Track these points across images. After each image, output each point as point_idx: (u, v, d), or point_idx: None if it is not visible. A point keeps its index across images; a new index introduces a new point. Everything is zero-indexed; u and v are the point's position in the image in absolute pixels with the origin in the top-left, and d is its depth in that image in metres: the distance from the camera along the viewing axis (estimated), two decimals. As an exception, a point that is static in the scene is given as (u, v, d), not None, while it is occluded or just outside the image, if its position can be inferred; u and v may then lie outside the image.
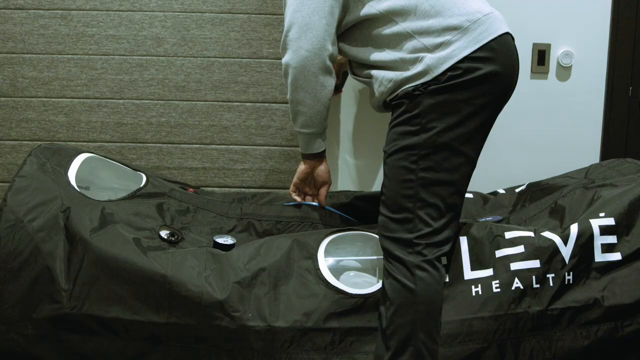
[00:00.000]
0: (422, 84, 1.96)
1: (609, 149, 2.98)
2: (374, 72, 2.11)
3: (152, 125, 2.96)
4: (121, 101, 2.95)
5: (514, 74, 2.08)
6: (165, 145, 2.97)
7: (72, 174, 2.17)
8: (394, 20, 2.02)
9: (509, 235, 2.03)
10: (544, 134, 2.99)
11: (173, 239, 2.00)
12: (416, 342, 1.87)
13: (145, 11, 2.89)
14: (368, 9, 2.05)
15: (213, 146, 2.97)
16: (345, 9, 2.08)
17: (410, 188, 1.96)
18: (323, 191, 2.32)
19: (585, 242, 1.98)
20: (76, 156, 2.25)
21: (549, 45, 2.94)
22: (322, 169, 2.29)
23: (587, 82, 2.96)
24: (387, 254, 1.96)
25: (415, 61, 1.99)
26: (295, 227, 2.21)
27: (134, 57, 2.92)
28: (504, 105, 2.12)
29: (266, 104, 2.94)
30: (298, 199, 2.36)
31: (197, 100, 2.94)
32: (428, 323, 1.89)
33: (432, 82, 1.95)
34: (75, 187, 2.09)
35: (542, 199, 2.36)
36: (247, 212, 2.24)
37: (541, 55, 2.94)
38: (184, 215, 2.17)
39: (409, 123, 1.99)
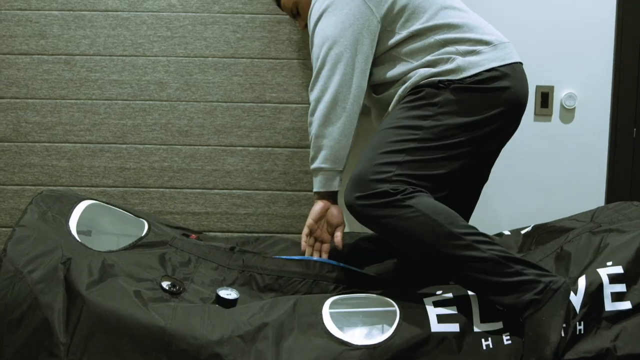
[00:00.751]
0: (448, 80, 2.02)
1: (614, 191, 2.96)
2: (402, 79, 2.14)
3: (155, 170, 2.95)
4: (124, 146, 2.94)
5: (525, 100, 2.15)
6: (168, 190, 2.96)
7: (73, 222, 2.15)
8: (427, 35, 2.08)
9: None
10: (548, 176, 2.97)
11: (175, 289, 1.97)
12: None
13: (149, 56, 2.90)
14: (399, 35, 2.11)
15: (216, 191, 2.96)
16: (377, 42, 2.13)
17: (398, 153, 1.98)
18: (339, 234, 2.22)
19: (594, 291, 1.95)
20: (78, 204, 2.23)
21: (552, 88, 2.93)
22: (335, 209, 2.23)
23: (591, 124, 2.95)
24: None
25: (446, 61, 2.05)
26: (297, 284, 2.17)
27: (137, 101, 2.92)
28: (510, 132, 2.18)
29: (269, 148, 2.93)
30: (309, 248, 2.25)
31: (200, 145, 2.94)
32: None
33: (457, 81, 2.01)
34: (76, 236, 2.07)
35: (547, 244, 2.33)
36: (249, 264, 2.20)
37: (544, 98, 2.93)
38: (185, 266, 2.14)
39: (421, 108, 2.02)
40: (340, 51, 2.08)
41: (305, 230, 2.25)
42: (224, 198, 2.96)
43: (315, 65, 2.15)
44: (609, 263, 1.98)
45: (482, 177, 2.37)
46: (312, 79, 2.16)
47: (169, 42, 2.89)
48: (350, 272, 2.21)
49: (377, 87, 2.25)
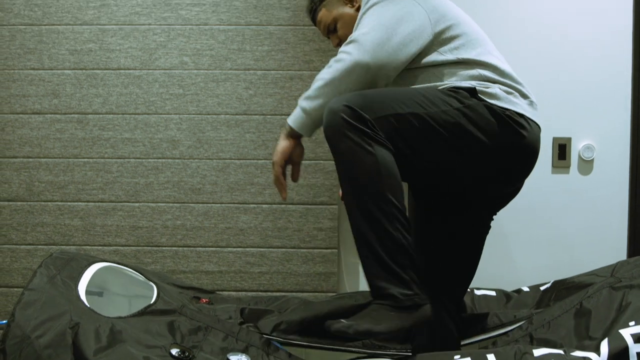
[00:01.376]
0: (484, 97, 1.99)
1: (635, 244, 2.89)
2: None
3: (168, 229, 2.92)
4: (137, 204, 2.92)
5: (535, 158, 2.11)
6: (181, 248, 2.92)
7: (82, 286, 2.11)
8: (473, 66, 2.06)
9: (537, 353, 1.93)
10: (568, 229, 2.91)
11: (184, 356, 1.92)
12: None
13: (161, 114, 2.89)
14: (444, 57, 2.07)
15: (229, 249, 2.92)
16: (423, 49, 2.08)
17: (406, 106, 1.95)
18: (298, 168, 2.19)
19: (620, 355, 1.88)
20: (88, 267, 2.20)
21: (569, 139, 2.89)
22: (301, 149, 2.17)
23: (610, 176, 2.90)
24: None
25: (486, 87, 2.02)
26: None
27: (150, 160, 2.91)
28: (510, 179, 2.11)
29: (282, 206, 2.90)
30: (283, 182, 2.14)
31: (213, 203, 2.91)
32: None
33: (490, 103, 1.99)
34: (85, 301, 2.03)
35: (566, 299, 2.26)
36: (255, 344, 2.16)
37: (562, 149, 2.89)
38: (195, 334, 2.09)
39: (451, 98, 1.98)
40: (388, 36, 2.01)
41: (279, 169, 2.12)
42: (238, 256, 2.92)
43: (368, 24, 2.04)
44: (632, 323, 1.91)
45: (484, 223, 2.29)
46: (357, 35, 2.00)
47: (181, 99, 2.88)
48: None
49: None
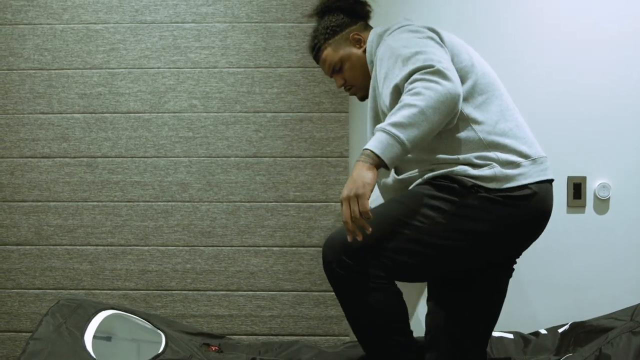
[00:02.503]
0: (479, 186, 1.96)
1: (655, 284, 2.84)
2: (432, 166, 2.05)
3: (178, 272, 2.89)
4: (146, 248, 2.89)
5: (547, 218, 2.07)
6: (190, 292, 2.88)
7: (89, 336, 2.08)
8: (471, 127, 2.00)
9: None
10: (584, 269, 2.86)
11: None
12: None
13: (170, 157, 2.87)
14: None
15: (240, 292, 2.88)
16: None
17: (399, 235, 1.97)
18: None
19: None
20: (95, 315, 2.17)
21: (584, 178, 2.85)
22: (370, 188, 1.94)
23: (626, 214, 2.85)
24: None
25: (485, 166, 1.98)
26: None
27: (159, 203, 2.88)
28: (522, 244, 2.10)
29: (293, 248, 2.86)
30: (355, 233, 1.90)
31: (223, 246, 2.88)
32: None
33: (486, 190, 1.96)
34: (92, 352, 2.00)
35: (586, 346, 2.21)
36: None
37: (577, 189, 2.85)
38: None
39: (441, 200, 1.97)
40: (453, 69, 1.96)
41: (367, 204, 1.85)
42: (248, 300, 2.87)
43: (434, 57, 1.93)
44: None
45: (506, 269, 2.25)
46: (432, 65, 1.87)
47: (191, 142, 2.87)
48: None
49: (399, 165, 2.15)
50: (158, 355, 2.10)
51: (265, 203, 2.87)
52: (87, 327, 2.10)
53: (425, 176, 2.04)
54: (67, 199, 2.90)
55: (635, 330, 2.10)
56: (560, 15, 2.85)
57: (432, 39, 2.02)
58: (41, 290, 2.92)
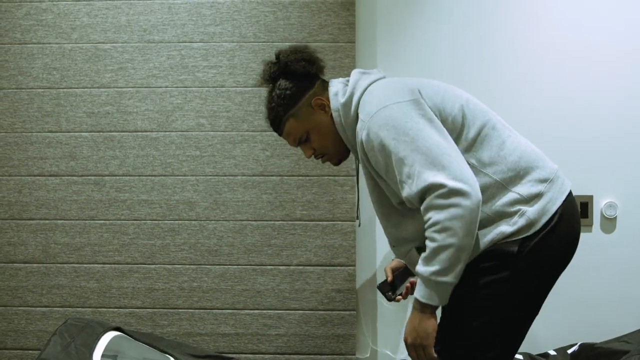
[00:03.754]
0: (524, 238, 1.89)
1: (663, 304, 2.83)
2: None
3: (184, 291, 2.89)
4: (153, 266, 2.90)
5: (578, 229, 2.04)
6: (197, 310, 2.88)
7: (97, 354, 2.08)
8: (483, 173, 1.91)
9: None
10: (592, 289, 2.85)
11: None
12: None
13: (177, 175, 2.88)
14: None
15: (246, 311, 2.88)
16: None
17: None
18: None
19: None
20: (103, 335, 2.17)
21: (591, 197, 2.85)
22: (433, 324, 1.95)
23: (634, 233, 2.85)
24: None
25: (515, 214, 1.90)
26: None
27: (166, 221, 2.89)
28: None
29: (300, 267, 2.86)
30: None
31: (230, 265, 2.88)
32: None
33: (532, 236, 1.89)
34: (100, 372, 2.00)
35: None
36: None
37: (584, 208, 2.85)
38: None
39: (501, 282, 1.91)
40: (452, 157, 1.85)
41: (433, 353, 1.93)
42: (255, 318, 2.87)
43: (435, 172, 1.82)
44: None
45: None
46: (438, 185, 1.79)
47: (198, 161, 2.87)
48: None
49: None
50: (166, 377, 2.10)
51: (272, 222, 2.87)
52: (95, 346, 2.10)
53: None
54: (75, 217, 2.91)
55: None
56: (571, 34, 2.85)
57: (422, 117, 1.88)
58: (48, 308, 2.92)
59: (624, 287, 2.85)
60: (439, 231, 1.78)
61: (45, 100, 2.91)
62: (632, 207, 2.85)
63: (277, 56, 2.09)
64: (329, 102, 2.04)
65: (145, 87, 2.89)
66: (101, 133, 2.90)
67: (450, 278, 1.81)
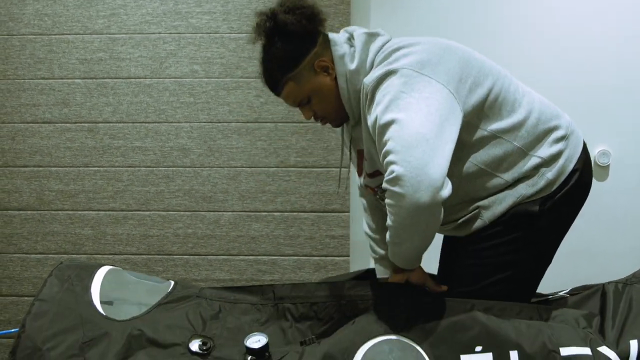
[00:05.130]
0: (544, 197, 1.89)
1: (653, 252, 2.86)
2: (483, 202, 1.92)
3: (179, 237, 2.90)
4: (147, 213, 2.90)
5: (591, 180, 2.05)
6: (192, 257, 2.90)
7: (95, 290, 2.07)
8: (503, 139, 1.87)
9: (565, 352, 1.88)
10: (584, 237, 2.87)
11: (205, 348, 1.89)
12: None
13: (172, 122, 2.88)
14: (481, 132, 1.86)
15: (241, 257, 2.90)
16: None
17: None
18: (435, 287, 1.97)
19: None
20: (98, 269, 2.16)
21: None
22: (417, 275, 1.97)
23: (627, 181, 2.86)
24: None
25: (535, 174, 1.89)
26: (332, 309, 2.04)
27: (160, 168, 2.89)
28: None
29: (294, 213, 2.88)
30: None
31: (224, 211, 2.89)
32: None
33: (549, 197, 1.89)
34: (98, 306, 1.99)
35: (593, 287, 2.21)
36: (280, 295, 2.06)
37: (576, 156, 2.85)
38: (216, 319, 2.03)
39: (523, 241, 1.92)
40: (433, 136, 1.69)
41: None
42: (249, 264, 2.89)
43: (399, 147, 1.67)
44: None
45: None
46: (398, 168, 1.63)
47: (192, 108, 2.87)
48: (380, 286, 2.08)
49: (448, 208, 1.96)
50: (167, 295, 2.08)
51: (266, 168, 2.88)
52: (92, 282, 2.08)
53: (485, 217, 1.93)
54: (69, 164, 2.91)
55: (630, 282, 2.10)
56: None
57: (438, 99, 1.73)
58: (43, 255, 2.94)
59: (616, 235, 2.87)
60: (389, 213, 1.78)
61: (37, 47, 2.89)
62: (625, 155, 2.86)
63: (274, 13, 1.87)
64: (333, 64, 1.89)
65: (138, 34, 2.87)
66: (94, 80, 2.89)
67: (398, 263, 1.88)
